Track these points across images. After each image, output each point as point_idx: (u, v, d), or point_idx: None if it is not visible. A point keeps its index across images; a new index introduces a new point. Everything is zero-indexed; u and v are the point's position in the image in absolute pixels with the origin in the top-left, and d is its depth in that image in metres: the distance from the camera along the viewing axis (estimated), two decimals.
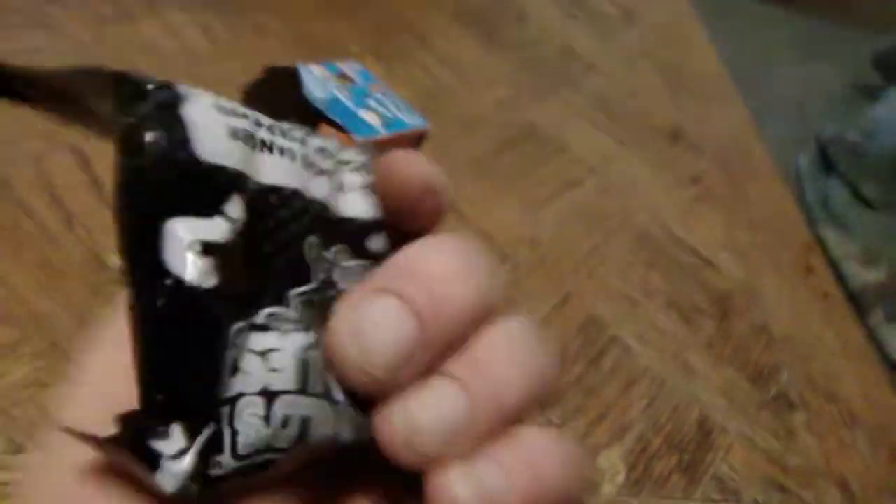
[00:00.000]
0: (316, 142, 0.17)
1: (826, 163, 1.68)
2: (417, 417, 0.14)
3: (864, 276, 1.63)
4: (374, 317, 0.15)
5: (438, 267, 0.16)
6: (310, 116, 0.19)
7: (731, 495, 0.50)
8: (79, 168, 0.49)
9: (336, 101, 0.50)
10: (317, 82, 0.52)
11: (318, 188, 0.17)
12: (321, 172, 0.17)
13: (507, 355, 0.16)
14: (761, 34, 1.43)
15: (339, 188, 0.17)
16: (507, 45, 0.83)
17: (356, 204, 0.17)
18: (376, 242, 0.17)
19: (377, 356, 0.14)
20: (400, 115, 0.54)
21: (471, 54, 0.79)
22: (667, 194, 0.71)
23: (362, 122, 0.50)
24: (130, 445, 0.13)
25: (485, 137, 0.69)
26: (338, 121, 0.48)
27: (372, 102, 0.53)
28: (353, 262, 0.17)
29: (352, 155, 0.18)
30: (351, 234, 0.17)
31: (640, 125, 0.78)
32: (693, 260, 0.66)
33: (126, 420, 0.13)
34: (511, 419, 0.15)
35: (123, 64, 0.16)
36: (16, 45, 0.56)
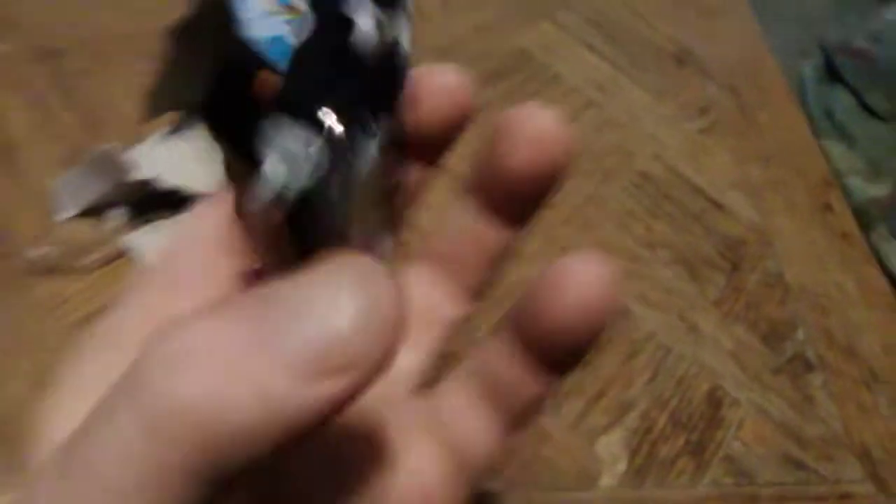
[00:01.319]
0: None
1: (831, 72, 1.59)
2: None
3: (868, 190, 1.56)
4: None
5: None
6: (249, 61, 0.17)
7: (743, 478, 0.45)
8: None
9: (279, 40, 0.42)
10: (256, 16, 0.43)
11: None
12: None
13: None
14: None
15: None
16: None
17: None
18: None
19: None
20: None
21: None
22: (671, 127, 0.63)
23: None
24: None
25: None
26: (280, 67, 0.40)
27: None
28: None
29: None
30: None
31: (642, 48, 0.69)
32: (701, 203, 0.59)
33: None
34: None
35: None
36: None
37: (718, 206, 0.59)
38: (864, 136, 1.50)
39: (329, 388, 0.11)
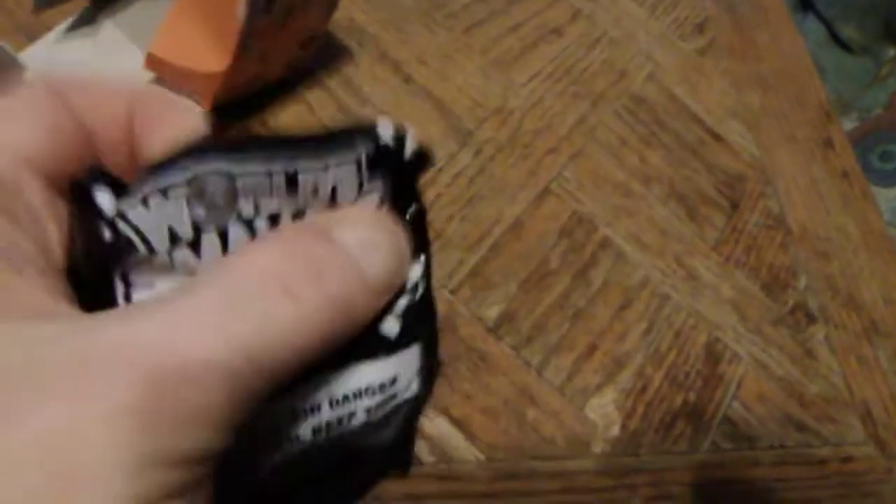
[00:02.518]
0: None
1: (804, 1, 1.53)
2: None
3: None
4: None
5: None
6: None
7: (744, 442, 0.40)
8: None
9: None
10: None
11: None
12: None
13: None
14: None
15: None
16: None
17: None
18: None
19: None
20: None
21: None
22: (667, 46, 0.56)
23: None
24: None
25: None
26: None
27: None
28: None
29: None
30: None
31: None
32: (698, 133, 0.53)
33: None
34: None
35: None
36: None
37: (717, 137, 0.53)
38: (833, 69, 1.46)
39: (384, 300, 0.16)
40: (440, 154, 0.44)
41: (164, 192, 0.15)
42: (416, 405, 0.18)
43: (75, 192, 0.15)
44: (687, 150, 0.51)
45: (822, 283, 0.49)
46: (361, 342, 0.16)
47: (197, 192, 0.15)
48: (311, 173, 0.16)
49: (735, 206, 0.50)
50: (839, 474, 0.42)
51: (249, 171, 0.15)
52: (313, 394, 0.16)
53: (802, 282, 0.48)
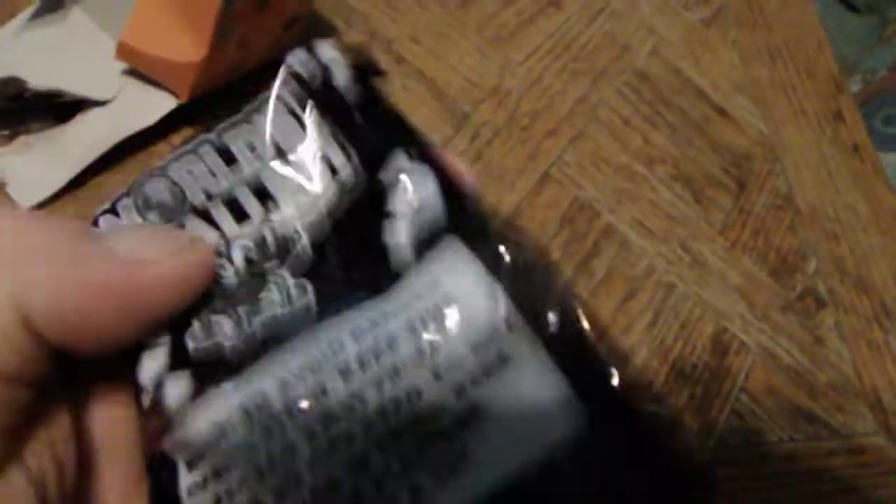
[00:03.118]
0: None
1: None
2: None
3: None
4: None
5: None
6: None
7: (753, 436, 0.39)
8: None
9: None
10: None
11: None
12: None
13: None
14: None
15: None
16: None
17: None
18: None
19: None
20: None
21: None
22: (671, 16, 0.54)
23: None
24: None
25: None
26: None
27: None
28: None
29: None
30: None
31: None
32: (704, 109, 0.50)
33: None
34: None
35: None
36: None
37: (723, 113, 0.51)
38: (837, 30, 1.43)
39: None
40: (435, 139, 0.42)
41: (114, 212, 0.15)
42: (556, 321, 0.13)
43: None
44: (692, 128, 0.49)
45: (832, 266, 0.47)
46: (367, 268, 0.15)
47: (142, 198, 0.15)
48: (234, 131, 0.15)
49: (742, 186, 0.48)
50: (848, 466, 0.41)
51: (174, 156, 0.15)
52: (326, 334, 0.14)
53: (812, 265, 0.47)
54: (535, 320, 0.14)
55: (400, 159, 0.16)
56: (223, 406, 0.14)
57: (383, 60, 0.44)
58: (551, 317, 0.15)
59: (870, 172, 0.53)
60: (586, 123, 0.46)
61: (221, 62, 0.35)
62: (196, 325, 0.15)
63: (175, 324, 0.15)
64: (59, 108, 0.34)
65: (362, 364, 0.13)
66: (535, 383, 0.14)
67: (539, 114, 0.45)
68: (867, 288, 0.47)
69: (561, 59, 0.48)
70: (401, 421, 0.13)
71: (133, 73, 0.35)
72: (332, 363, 0.14)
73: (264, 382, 0.14)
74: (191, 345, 0.15)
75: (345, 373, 0.13)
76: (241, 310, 0.15)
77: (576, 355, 0.15)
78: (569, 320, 0.15)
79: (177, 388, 0.15)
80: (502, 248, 0.15)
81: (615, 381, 0.14)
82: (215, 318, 0.15)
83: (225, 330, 0.15)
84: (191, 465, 0.14)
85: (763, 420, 0.40)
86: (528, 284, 0.15)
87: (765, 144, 0.51)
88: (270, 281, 0.15)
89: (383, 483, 0.13)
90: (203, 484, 0.14)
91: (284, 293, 0.15)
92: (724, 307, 0.43)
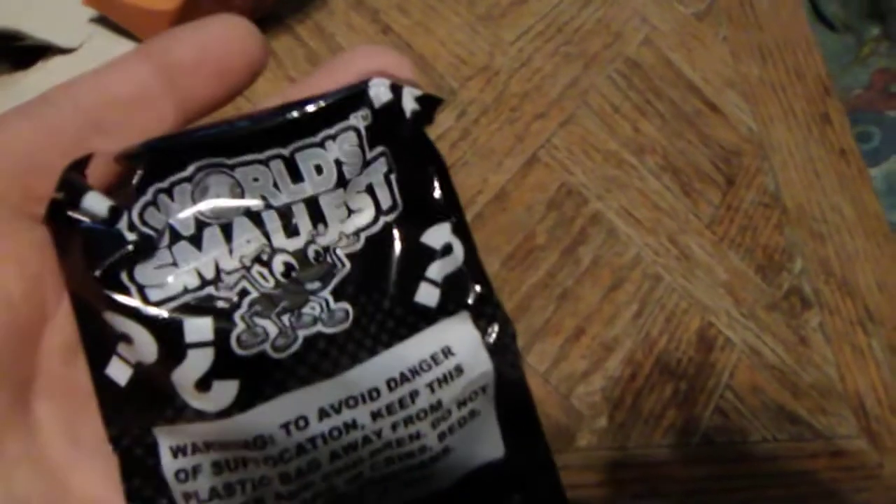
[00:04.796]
0: None
1: None
2: None
3: None
4: None
5: None
6: None
7: (736, 435, 0.38)
8: None
9: None
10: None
11: None
12: None
13: None
14: None
15: None
16: None
17: None
18: None
19: None
20: None
21: None
22: (665, 8, 0.53)
23: None
24: None
25: None
26: None
27: None
28: None
29: None
30: None
31: None
32: (694, 103, 0.49)
33: None
34: None
35: None
36: None
37: (713, 107, 0.50)
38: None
39: None
40: None
41: (168, 192, 0.15)
42: (509, 387, 0.17)
43: (56, 211, 0.14)
44: (682, 120, 0.48)
45: (817, 267, 0.47)
46: (400, 318, 0.16)
47: (202, 189, 0.15)
48: (308, 151, 0.16)
49: (730, 182, 0.47)
50: (830, 469, 0.40)
51: (245, 160, 0.15)
52: (368, 378, 0.16)
53: (798, 265, 0.46)
54: (498, 389, 0.17)
55: (445, 230, 0.17)
56: (266, 419, 0.15)
57: (369, 30, 0.42)
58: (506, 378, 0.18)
59: (856, 177, 0.53)
60: (576, 108, 0.45)
61: (198, 15, 0.33)
62: (241, 325, 0.15)
63: (219, 326, 0.15)
64: (19, 53, 0.32)
65: (389, 410, 0.16)
66: (483, 431, 0.17)
67: (528, 95, 0.44)
68: (851, 291, 0.47)
69: (553, 42, 0.46)
70: (397, 454, 0.16)
71: (102, 20, 0.33)
72: (368, 405, 0.16)
73: (307, 408, 0.15)
74: (236, 347, 0.15)
75: (375, 414, 0.16)
76: (285, 318, 0.15)
77: (512, 412, 0.18)
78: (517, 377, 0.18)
79: (223, 393, 0.15)
80: (491, 322, 0.17)
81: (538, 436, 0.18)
82: (259, 321, 0.15)
83: (270, 335, 0.15)
84: (182, 453, 0.15)
85: (747, 419, 0.39)
86: (500, 352, 0.17)
87: (754, 142, 0.50)
88: (312, 300, 0.16)
89: (364, 489, 0.16)
90: (196, 470, 0.15)
91: (326, 312, 0.16)
92: (710, 302, 0.42)
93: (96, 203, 0.14)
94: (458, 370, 0.17)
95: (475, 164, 0.40)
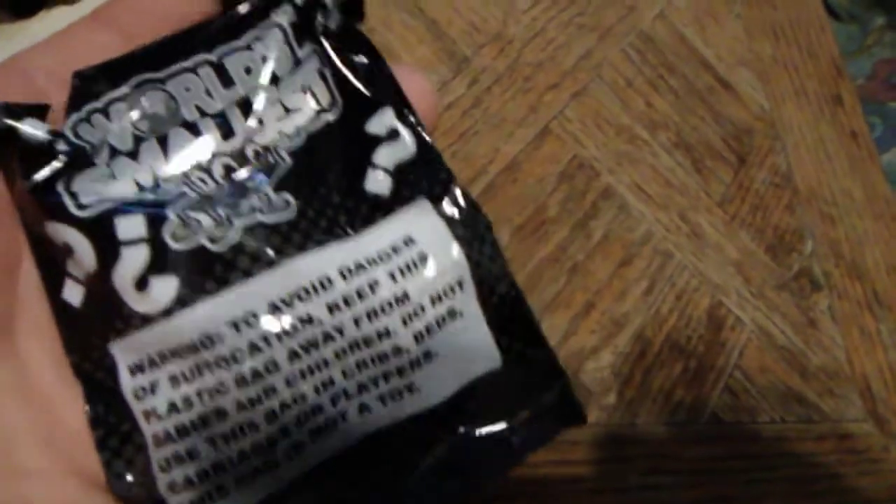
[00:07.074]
0: None
1: None
2: None
3: None
4: None
5: None
6: None
7: (744, 415, 0.38)
8: None
9: None
10: None
11: None
12: None
13: None
14: None
15: None
16: None
17: None
18: None
19: None
20: None
21: None
22: None
23: None
24: None
25: None
26: None
27: None
28: None
29: None
30: None
31: None
32: (708, 80, 0.48)
33: None
34: None
35: None
36: None
37: (726, 85, 0.49)
38: None
39: None
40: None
41: (104, 112, 0.15)
42: (492, 283, 0.16)
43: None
44: (695, 96, 0.47)
45: (827, 249, 0.46)
46: (352, 210, 0.15)
47: (137, 106, 0.15)
48: (236, 55, 0.16)
49: (742, 160, 0.46)
50: (836, 452, 0.39)
51: (175, 70, 0.15)
52: (317, 267, 0.15)
53: (808, 246, 0.45)
54: (479, 285, 0.16)
55: (388, 116, 0.16)
56: (212, 317, 0.14)
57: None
58: (488, 275, 0.17)
59: (866, 159, 0.52)
60: (589, 81, 0.44)
61: None
62: (174, 219, 0.15)
63: (151, 220, 0.14)
64: (20, 2, 0.31)
65: (347, 302, 0.15)
66: (471, 336, 0.16)
67: (542, 65, 0.43)
68: (860, 274, 0.46)
69: (567, 12, 0.45)
70: (368, 356, 0.15)
71: None
72: (322, 296, 0.15)
73: (255, 302, 0.14)
74: (170, 241, 0.15)
75: (332, 307, 0.15)
76: (220, 209, 0.15)
77: (505, 316, 0.17)
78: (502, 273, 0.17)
79: (163, 290, 0.14)
80: (456, 210, 0.16)
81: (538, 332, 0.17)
82: (193, 213, 0.15)
83: (204, 226, 0.15)
84: (140, 370, 0.15)
85: (756, 399, 0.38)
86: (474, 242, 0.16)
87: (766, 120, 0.49)
88: (252, 192, 0.15)
89: (338, 400, 0.15)
90: (154, 386, 0.15)
91: (266, 202, 0.15)
92: (721, 280, 0.41)
93: (35, 126, 0.14)
94: (422, 258, 0.15)
95: (486, 133, 0.39)
